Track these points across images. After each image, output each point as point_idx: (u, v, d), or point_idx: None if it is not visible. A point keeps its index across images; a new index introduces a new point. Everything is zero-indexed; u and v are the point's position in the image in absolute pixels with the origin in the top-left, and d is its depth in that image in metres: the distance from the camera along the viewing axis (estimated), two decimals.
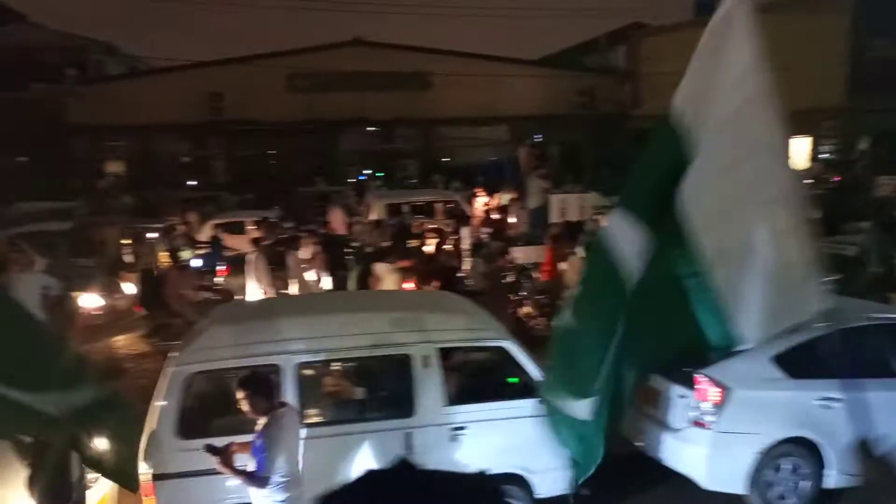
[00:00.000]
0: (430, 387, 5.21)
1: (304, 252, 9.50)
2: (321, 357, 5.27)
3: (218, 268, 11.96)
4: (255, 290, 9.48)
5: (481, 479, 1.49)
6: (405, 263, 9.08)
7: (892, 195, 15.91)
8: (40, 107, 27.14)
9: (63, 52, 30.10)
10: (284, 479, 4.14)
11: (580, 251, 10.74)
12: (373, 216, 14.96)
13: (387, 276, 8.93)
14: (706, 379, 5.56)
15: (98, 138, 28.64)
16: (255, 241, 10.38)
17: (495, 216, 16.98)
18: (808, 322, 5.97)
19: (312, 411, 5.33)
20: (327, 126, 28.26)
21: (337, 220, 14.55)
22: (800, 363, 5.69)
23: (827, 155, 24.28)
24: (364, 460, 5.03)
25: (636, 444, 6.07)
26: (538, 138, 28.24)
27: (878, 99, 21.57)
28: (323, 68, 27.90)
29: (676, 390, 5.77)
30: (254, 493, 4.21)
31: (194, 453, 4.53)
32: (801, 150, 25.39)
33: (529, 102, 28.31)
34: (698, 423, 5.58)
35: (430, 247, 11.53)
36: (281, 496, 4.14)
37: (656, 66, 29.15)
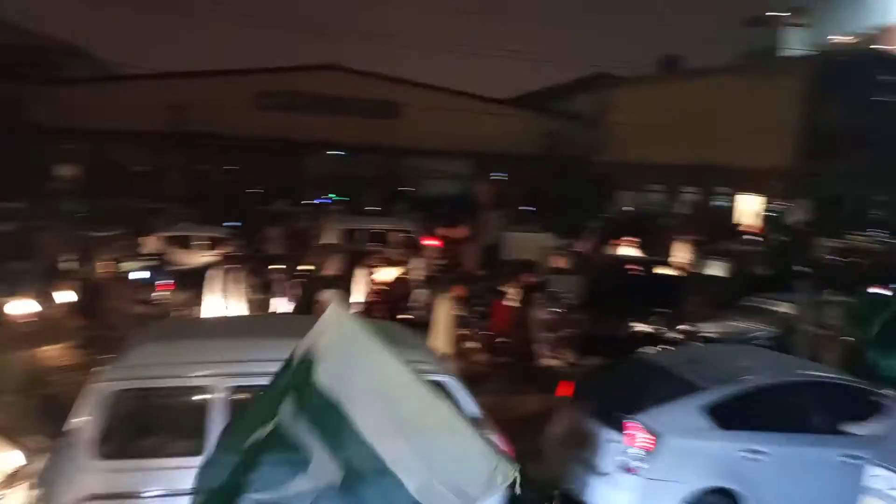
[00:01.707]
0: None
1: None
2: (250, 382, 5.01)
3: (161, 282, 11.66)
4: (212, 306, 9.35)
5: None
6: (459, 291, 9.03)
7: (829, 255, 16.46)
8: None
9: (22, 51, 29.37)
10: None
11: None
12: (325, 240, 14.80)
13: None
14: (637, 425, 5.58)
15: (55, 141, 27.90)
16: (226, 258, 10.45)
17: (450, 249, 16.99)
18: (740, 374, 6.16)
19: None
20: (292, 146, 28.12)
21: None
22: (730, 414, 5.76)
23: (773, 213, 25.11)
24: None
25: (563, 486, 6.03)
26: (501, 176, 28.55)
27: (827, 164, 22.49)
28: (294, 89, 27.90)
29: (607, 434, 5.77)
30: None
31: (115, 474, 4.35)
32: (750, 207, 26.25)
33: (496, 140, 28.67)
34: (627, 469, 5.58)
35: (379, 275, 11.47)
36: None
37: (619, 117, 29.94)
